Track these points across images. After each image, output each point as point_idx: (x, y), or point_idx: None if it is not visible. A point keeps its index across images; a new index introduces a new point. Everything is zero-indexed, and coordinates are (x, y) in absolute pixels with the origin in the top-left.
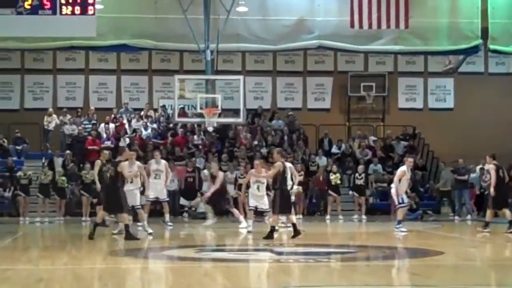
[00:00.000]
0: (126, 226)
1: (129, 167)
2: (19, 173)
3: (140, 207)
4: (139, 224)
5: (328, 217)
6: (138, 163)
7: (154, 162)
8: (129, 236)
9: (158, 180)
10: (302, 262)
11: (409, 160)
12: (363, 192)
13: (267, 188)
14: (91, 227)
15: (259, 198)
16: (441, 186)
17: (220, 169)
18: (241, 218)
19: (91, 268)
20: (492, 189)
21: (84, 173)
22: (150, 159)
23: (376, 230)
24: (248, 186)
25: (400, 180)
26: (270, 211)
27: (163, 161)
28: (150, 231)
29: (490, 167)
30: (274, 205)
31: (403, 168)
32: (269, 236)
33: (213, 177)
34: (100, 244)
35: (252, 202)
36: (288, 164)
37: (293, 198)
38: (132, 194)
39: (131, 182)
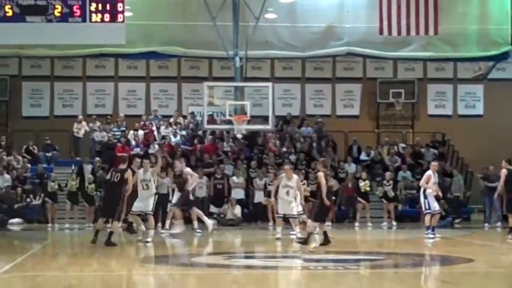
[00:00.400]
0: (111, 232)
1: (143, 174)
2: (50, 184)
3: (151, 213)
4: (162, 231)
5: (357, 224)
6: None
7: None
8: (109, 243)
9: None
10: (331, 269)
11: (433, 164)
12: (392, 198)
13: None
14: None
15: (288, 204)
16: None
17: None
18: (205, 218)
19: (119, 275)
20: (496, 194)
21: None
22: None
23: (405, 237)
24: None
25: (427, 183)
26: (297, 218)
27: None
28: (149, 240)
29: (502, 171)
30: (312, 212)
31: (428, 172)
32: (305, 241)
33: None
34: (129, 251)
35: (281, 209)
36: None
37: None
38: (146, 200)
39: (146, 188)
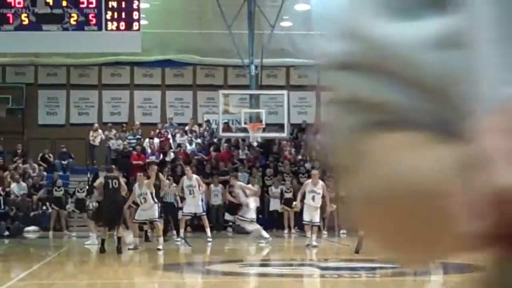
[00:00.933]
0: (103, 240)
1: (139, 189)
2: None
3: (158, 220)
4: (177, 239)
5: None
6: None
7: (186, 178)
8: (103, 250)
9: (193, 196)
10: (346, 277)
11: (313, 173)
12: None
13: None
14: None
15: (313, 210)
16: None
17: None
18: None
19: (134, 283)
20: None
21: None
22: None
23: None
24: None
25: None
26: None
27: (195, 176)
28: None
29: None
30: None
31: (307, 181)
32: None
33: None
34: (143, 258)
35: (307, 216)
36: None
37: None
38: (149, 209)
39: (144, 202)
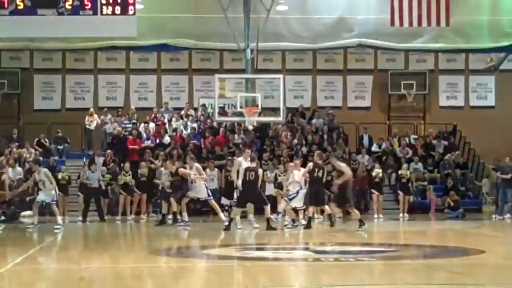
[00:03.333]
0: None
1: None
2: (60, 175)
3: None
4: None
5: (379, 215)
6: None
7: (188, 167)
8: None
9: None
10: (342, 261)
11: (295, 164)
12: (408, 190)
13: None
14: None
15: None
16: None
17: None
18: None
19: (131, 267)
20: None
21: (123, 173)
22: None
23: (416, 228)
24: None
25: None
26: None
27: (196, 165)
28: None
29: None
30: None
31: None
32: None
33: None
34: (141, 243)
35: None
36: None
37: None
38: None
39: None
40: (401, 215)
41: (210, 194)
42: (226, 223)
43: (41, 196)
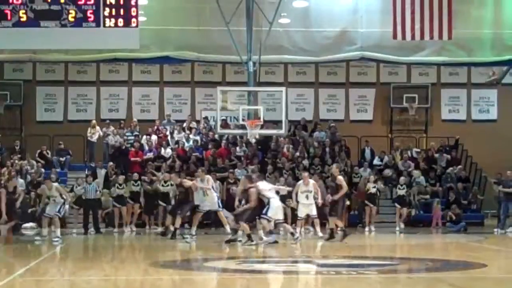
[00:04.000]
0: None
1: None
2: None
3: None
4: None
5: (367, 228)
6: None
7: (199, 180)
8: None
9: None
10: (344, 274)
11: (304, 176)
12: (405, 203)
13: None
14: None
15: (307, 206)
16: None
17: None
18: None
19: (132, 280)
20: None
21: (117, 186)
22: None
23: (418, 242)
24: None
25: (297, 193)
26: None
27: (207, 177)
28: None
29: None
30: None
31: (299, 181)
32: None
33: None
34: (142, 255)
35: (301, 213)
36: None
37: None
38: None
39: None
40: (397, 228)
41: (221, 205)
42: (230, 236)
43: (50, 210)
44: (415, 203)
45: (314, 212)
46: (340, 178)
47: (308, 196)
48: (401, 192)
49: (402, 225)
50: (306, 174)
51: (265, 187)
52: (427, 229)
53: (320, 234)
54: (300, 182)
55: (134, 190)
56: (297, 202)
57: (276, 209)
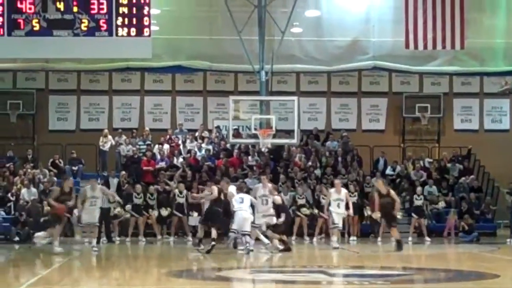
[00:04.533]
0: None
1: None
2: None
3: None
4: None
5: (379, 238)
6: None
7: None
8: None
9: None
10: (356, 284)
11: (336, 182)
12: (422, 213)
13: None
14: None
15: (340, 216)
16: None
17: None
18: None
19: None
20: None
21: (135, 194)
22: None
23: (430, 252)
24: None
25: (329, 202)
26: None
27: (270, 185)
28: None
29: None
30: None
31: (331, 190)
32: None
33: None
34: (155, 264)
35: (337, 220)
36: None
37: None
38: None
39: None
40: (410, 238)
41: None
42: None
43: (86, 218)
44: (427, 213)
45: (340, 223)
46: (393, 192)
47: (340, 205)
48: (418, 202)
49: (428, 239)
50: (338, 181)
51: (235, 196)
52: (439, 239)
53: (337, 245)
54: (332, 190)
55: (150, 203)
56: (328, 210)
57: (241, 221)
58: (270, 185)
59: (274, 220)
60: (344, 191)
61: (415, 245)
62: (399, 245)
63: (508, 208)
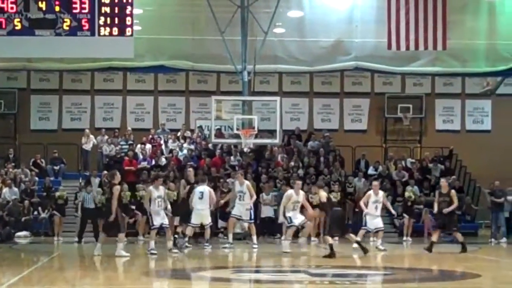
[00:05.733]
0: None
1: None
2: (58, 194)
3: (167, 226)
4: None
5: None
6: (162, 186)
7: (238, 184)
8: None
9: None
10: (337, 284)
11: (375, 184)
12: (413, 214)
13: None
14: None
15: (375, 218)
16: None
17: None
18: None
19: None
20: None
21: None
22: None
23: (412, 252)
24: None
25: (366, 203)
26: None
27: (246, 182)
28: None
29: None
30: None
31: (369, 192)
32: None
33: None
34: (135, 264)
35: (371, 224)
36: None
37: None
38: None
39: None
40: (405, 238)
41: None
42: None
43: (161, 219)
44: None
45: (381, 224)
46: (454, 192)
47: (377, 207)
48: (410, 200)
49: (410, 239)
50: (376, 183)
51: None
52: (421, 239)
53: (382, 247)
54: (370, 192)
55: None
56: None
57: (197, 216)
58: (246, 181)
59: (248, 216)
60: (381, 192)
61: (396, 245)
62: (464, 248)
63: (489, 208)
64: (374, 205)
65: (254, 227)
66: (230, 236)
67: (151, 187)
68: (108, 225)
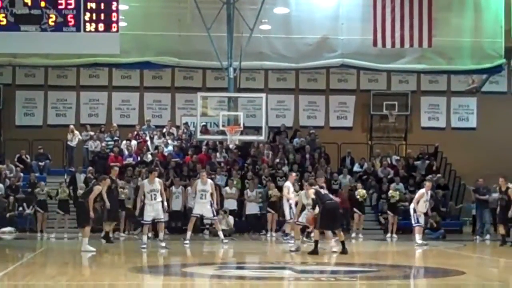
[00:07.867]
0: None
1: (151, 184)
2: (37, 189)
3: (161, 220)
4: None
5: (353, 235)
6: (158, 179)
7: (200, 182)
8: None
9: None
10: (323, 280)
11: (428, 185)
12: (397, 211)
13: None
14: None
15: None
16: None
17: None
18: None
19: (110, 284)
20: None
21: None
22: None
23: (397, 249)
24: None
25: (418, 201)
26: None
27: (210, 181)
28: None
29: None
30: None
31: (422, 190)
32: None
33: None
34: (120, 260)
35: (422, 220)
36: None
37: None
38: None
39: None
40: (389, 235)
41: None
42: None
43: (156, 215)
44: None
45: (422, 221)
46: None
47: (427, 205)
48: (393, 200)
49: (395, 236)
50: (428, 183)
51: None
52: (407, 236)
53: (421, 241)
54: (423, 190)
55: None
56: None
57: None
58: (209, 180)
59: (210, 214)
60: (429, 191)
61: (381, 242)
62: (504, 240)
63: (472, 203)
64: (425, 204)
65: (219, 223)
66: (189, 234)
67: (144, 181)
68: (80, 217)
